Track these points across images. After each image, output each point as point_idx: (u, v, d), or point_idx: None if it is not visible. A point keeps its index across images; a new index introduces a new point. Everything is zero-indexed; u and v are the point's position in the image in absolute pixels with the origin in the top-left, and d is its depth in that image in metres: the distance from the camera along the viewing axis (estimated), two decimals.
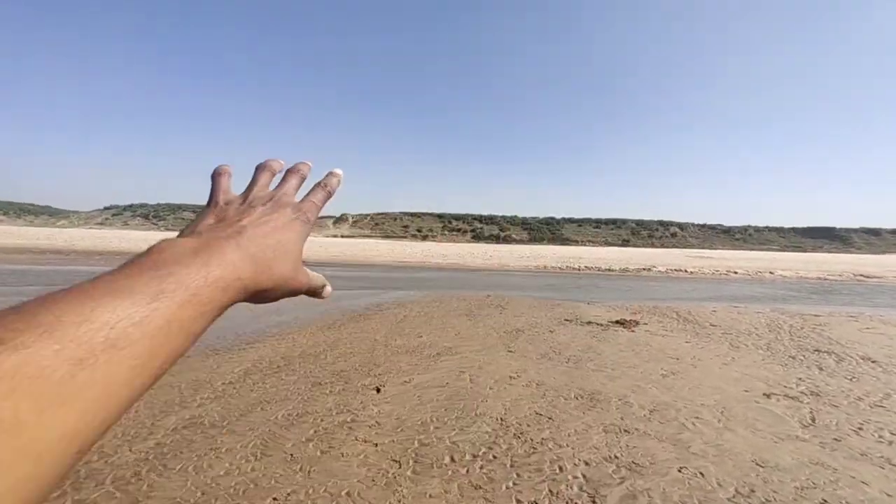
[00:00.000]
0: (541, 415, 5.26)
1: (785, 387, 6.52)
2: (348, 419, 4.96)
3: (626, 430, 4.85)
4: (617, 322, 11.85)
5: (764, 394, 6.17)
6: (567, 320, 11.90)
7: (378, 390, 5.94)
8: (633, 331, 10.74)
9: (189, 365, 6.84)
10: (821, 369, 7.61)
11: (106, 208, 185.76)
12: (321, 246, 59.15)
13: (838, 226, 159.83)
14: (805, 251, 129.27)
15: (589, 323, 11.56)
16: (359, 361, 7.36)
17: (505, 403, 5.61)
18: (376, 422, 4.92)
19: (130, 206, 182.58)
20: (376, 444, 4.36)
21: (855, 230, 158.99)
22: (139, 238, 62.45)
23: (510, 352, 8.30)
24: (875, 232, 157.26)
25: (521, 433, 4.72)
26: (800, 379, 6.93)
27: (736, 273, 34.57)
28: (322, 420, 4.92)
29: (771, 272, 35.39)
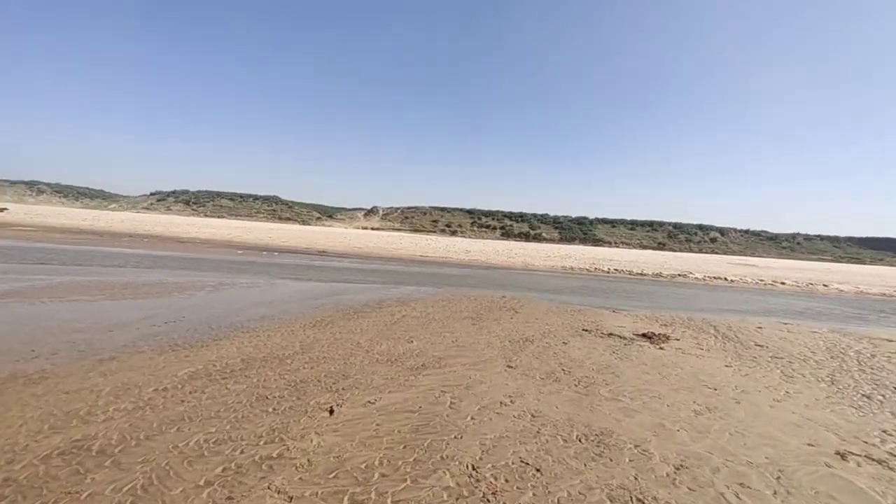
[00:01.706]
0: (527, 464, 4.00)
1: (865, 442, 4.94)
2: (275, 453, 3.89)
3: (639, 500, 3.53)
4: (643, 335, 10.29)
5: (837, 452, 4.63)
6: (586, 330, 10.45)
7: (331, 412, 4.85)
8: (661, 347, 9.20)
9: (134, 362, 5.99)
10: None
11: (152, 193, 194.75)
12: (346, 237, 59.14)
13: None
14: (864, 263, 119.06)
15: (610, 335, 10.07)
16: (327, 370, 6.30)
17: (484, 442, 4.38)
18: (308, 460, 3.82)
19: (174, 192, 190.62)
20: (290, 500, 3.25)
21: None
22: (169, 222, 64.69)
23: (510, 367, 7.02)
24: None
25: (493, 494, 3.49)
26: (884, 431, 5.30)
27: (783, 284, 31.47)
28: (242, 452, 3.87)
29: (825, 285, 31.99)
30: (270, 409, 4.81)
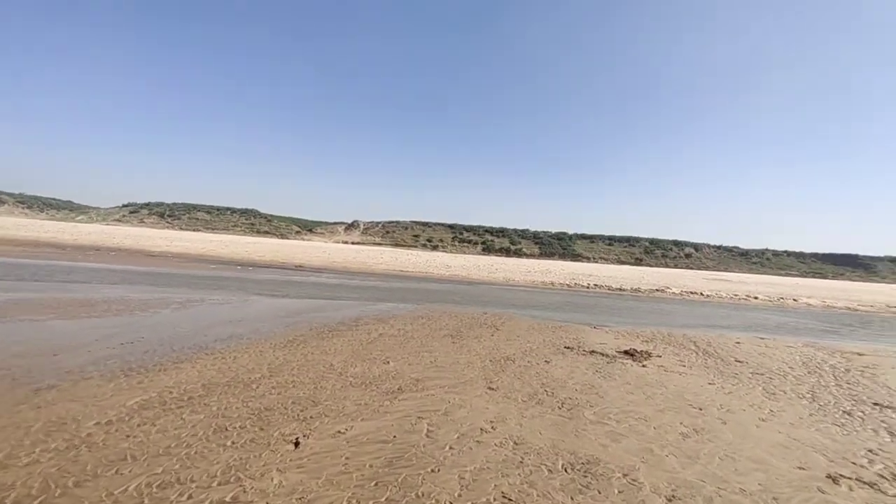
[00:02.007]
0: (510, 500, 3.68)
1: (854, 464, 4.81)
2: (228, 497, 3.45)
3: None
4: (626, 353, 10.16)
5: (828, 476, 4.47)
6: (568, 347, 10.25)
7: (297, 444, 4.43)
8: (644, 365, 9.06)
9: (77, 391, 5.41)
10: (893, 434, 5.86)
11: (124, 205, 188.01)
12: (324, 251, 58.04)
13: (861, 253, 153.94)
14: (826, 278, 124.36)
15: (593, 352, 9.89)
16: (296, 396, 5.85)
17: (464, 476, 4.03)
18: (266, 503, 3.40)
19: (147, 203, 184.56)
20: None
21: (880, 258, 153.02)
22: (140, 235, 62.24)
23: (491, 389, 6.71)
24: None
25: None
26: (870, 451, 5.21)
27: (756, 298, 32.33)
28: (190, 498, 3.42)
29: (795, 299, 33.03)
30: (229, 443, 4.35)
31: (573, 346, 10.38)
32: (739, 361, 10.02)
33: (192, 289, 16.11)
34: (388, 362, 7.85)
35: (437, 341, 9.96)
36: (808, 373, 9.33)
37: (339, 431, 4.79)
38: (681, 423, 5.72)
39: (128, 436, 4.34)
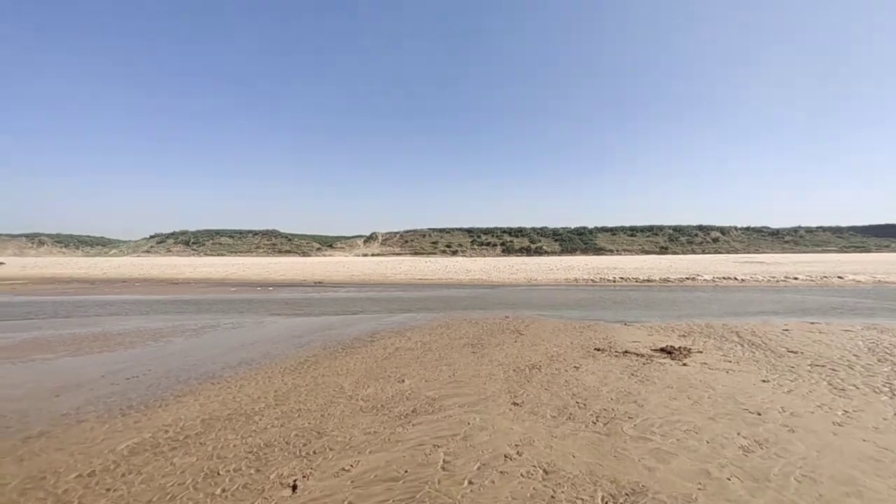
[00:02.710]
0: None
1: None
2: None
3: None
4: (662, 350, 9.29)
5: None
6: (598, 349, 9.46)
7: (294, 488, 3.88)
8: (684, 363, 8.19)
9: (67, 437, 5.04)
10: None
11: (151, 237, 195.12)
12: (343, 266, 58.23)
13: None
14: (869, 251, 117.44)
15: (626, 353, 9.07)
16: (300, 426, 5.33)
17: None
18: None
19: (173, 233, 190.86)
20: None
21: None
22: (166, 264, 64.01)
23: (515, 405, 6.04)
24: None
25: None
26: None
27: (796, 279, 30.33)
28: None
29: (840, 277, 30.82)
30: (218, 491, 3.85)
31: (604, 348, 9.58)
32: (793, 352, 9.01)
33: (209, 314, 15.99)
34: (403, 380, 7.27)
35: (457, 352, 9.34)
36: (879, 361, 8.26)
37: (343, 469, 4.23)
38: (738, 434, 4.92)
39: (108, 490, 3.88)
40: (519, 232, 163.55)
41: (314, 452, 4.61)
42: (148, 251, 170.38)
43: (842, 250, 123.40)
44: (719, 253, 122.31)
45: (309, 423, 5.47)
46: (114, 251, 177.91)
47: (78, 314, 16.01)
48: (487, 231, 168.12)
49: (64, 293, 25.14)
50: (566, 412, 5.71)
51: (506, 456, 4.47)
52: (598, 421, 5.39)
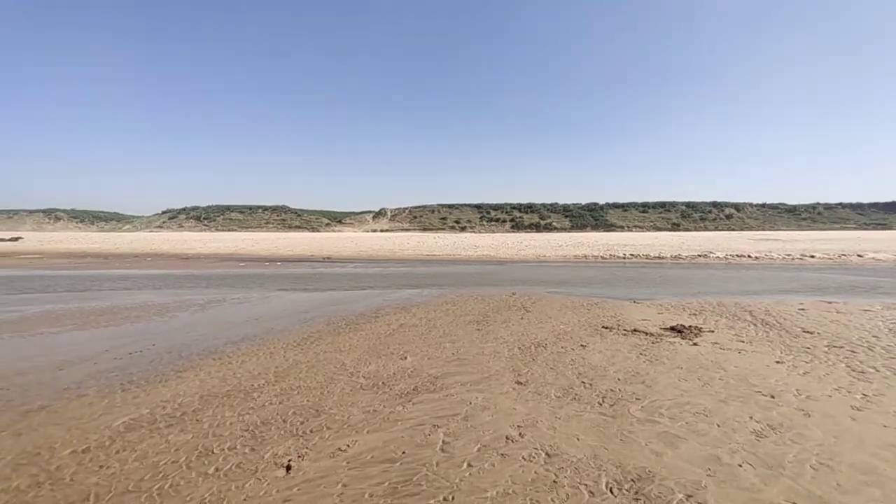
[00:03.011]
0: None
1: None
2: None
3: None
4: (672, 329, 9.05)
5: None
6: (606, 327, 9.25)
7: (288, 468, 3.80)
8: (695, 343, 7.96)
9: (67, 412, 5.02)
10: None
11: (163, 212, 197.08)
12: (352, 241, 58.31)
13: None
14: (891, 228, 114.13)
15: (634, 331, 8.86)
16: (298, 404, 5.26)
17: None
18: None
19: (184, 209, 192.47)
20: None
21: None
22: (177, 239, 64.72)
23: (519, 384, 5.89)
24: None
25: None
26: None
27: (813, 257, 29.53)
28: None
29: (859, 255, 29.92)
30: (211, 470, 3.78)
31: (612, 326, 9.37)
32: (808, 332, 8.71)
33: (216, 288, 16.07)
34: (406, 357, 7.17)
35: (462, 329, 9.21)
36: None
37: (339, 449, 4.13)
38: (751, 418, 4.71)
39: (101, 466, 3.84)
40: (529, 208, 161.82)
41: (311, 431, 4.53)
42: (160, 226, 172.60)
43: (862, 227, 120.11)
44: (733, 230, 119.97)
45: (308, 400, 5.39)
46: (127, 226, 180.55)
47: (90, 288, 16.21)
48: (497, 207, 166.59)
49: (77, 267, 25.52)
50: (571, 392, 5.54)
51: (507, 437, 4.33)
52: (604, 402, 5.22)
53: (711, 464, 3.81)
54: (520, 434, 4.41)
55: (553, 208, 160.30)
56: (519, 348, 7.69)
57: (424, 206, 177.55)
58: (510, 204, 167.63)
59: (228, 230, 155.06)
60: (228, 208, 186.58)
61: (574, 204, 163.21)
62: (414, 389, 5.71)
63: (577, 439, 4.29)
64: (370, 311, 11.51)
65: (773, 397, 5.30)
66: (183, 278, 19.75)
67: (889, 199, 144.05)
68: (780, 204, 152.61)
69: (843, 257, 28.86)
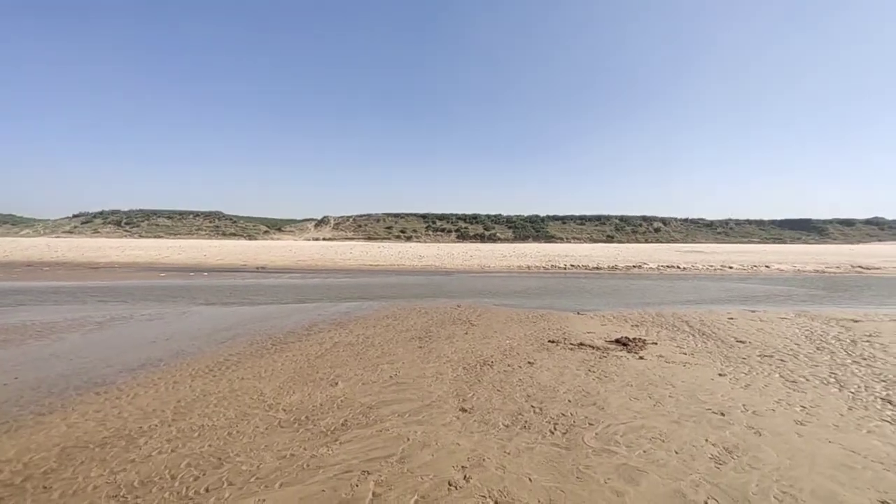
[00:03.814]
0: None
1: None
2: None
3: None
4: (617, 342, 8.97)
5: None
6: (552, 341, 8.97)
7: None
8: (641, 357, 7.86)
9: None
10: None
11: (75, 216, 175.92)
12: (290, 250, 55.08)
13: (814, 217, 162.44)
14: (785, 242, 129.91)
15: (581, 345, 8.64)
16: (197, 452, 4.24)
17: None
18: None
19: (101, 212, 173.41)
20: None
21: (830, 221, 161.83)
22: (88, 246, 57.39)
23: (464, 411, 5.29)
24: (849, 223, 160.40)
25: None
26: None
27: (731, 268, 32.34)
28: None
29: (767, 266, 33.26)
30: None
31: (558, 340, 9.11)
32: (741, 342, 9.01)
33: (125, 303, 13.97)
34: (337, 383, 6.31)
35: (402, 347, 8.47)
36: (818, 349, 8.37)
37: None
38: (706, 441, 4.46)
39: None
40: (474, 219, 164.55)
41: (206, 491, 3.58)
42: (70, 231, 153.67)
43: (763, 241, 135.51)
44: (661, 242, 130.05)
45: (210, 445, 4.39)
46: (26, 230, 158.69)
47: None
48: (442, 217, 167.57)
49: None
50: (521, 419, 5.03)
51: (450, 483, 3.68)
52: (556, 429, 4.75)
53: (677, 502, 3.42)
54: (464, 477, 3.78)
55: (497, 219, 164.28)
56: (464, 368, 7.12)
57: (370, 215, 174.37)
58: (456, 214, 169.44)
59: (154, 237, 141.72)
60: (155, 213, 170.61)
61: (517, 215, 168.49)
62: (343, 424, 4.90)
63: (530, 480, 3.74)
64: (302, 327, 10.41)
65: (723, 415, 5.14)
66: (86, 291, 17.09)
67: (783, 218, 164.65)
68: (700, 219, 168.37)
69: (754, 268, 31.79)
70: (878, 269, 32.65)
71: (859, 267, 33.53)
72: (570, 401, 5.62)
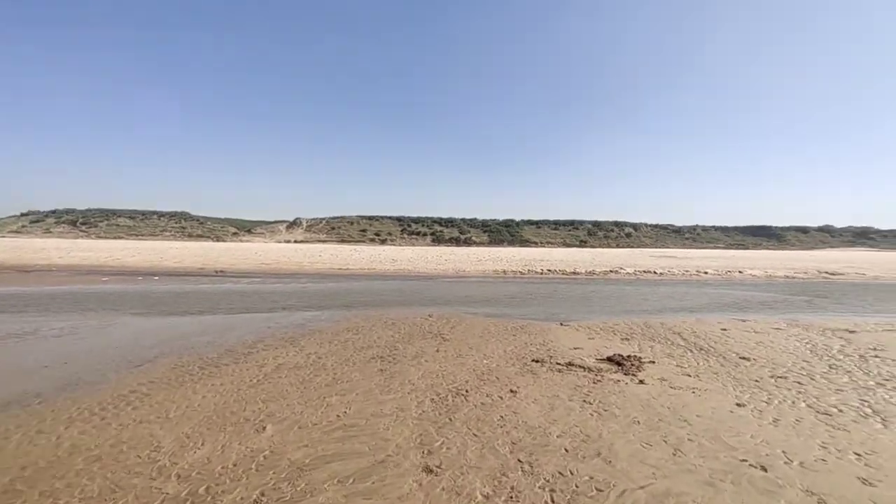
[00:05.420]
0: None
1: None
2: None
3: None
4: (610, 360, 7.81)
5: None
6: (536, 361, 7.72)
7: None
8: (641, 381, 6.69)
9: None
10: None
11: (24, 214, 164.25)
12: (254, 253, 52.07)
13: (773, 224, 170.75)
14: (747, 248, 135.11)
15: (570, 365, 7.43)
16: None
17: None
18: None
19: (54, 211, 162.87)
20: None
21: (788, 228, 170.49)
22: (22, 247, 52.46)
23: (429, 472, 3.91)
24: (804, 230, 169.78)
25: None
26: None
27: (706, 273, 32.33)
28: None
29: (740, 271, 33.46)
30: None
31: (543, 358, 7.87)
32: (745, 359, 8.02)
33: (36, 314, 11.87)
34: (265, 427, 4.81)
35: (359, 370, 7.02)
36: (831, 368, 7.47)
37: None
38: None
39: None
40: (449, 222, 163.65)
41: None
42: (17, 231, 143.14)
43: (728, 246, 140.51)
44: (632, 247, 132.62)
45: None
46: None
47: None
48: (418, 220, 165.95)
49: None
50: (505, 485, 3.70)
51: None
52: (554, 502, 3.45)
53: None
54: None
55: (472, 223, 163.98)
56: (431, 399, 5.75)
57: (343, 217, 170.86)
58: (431, 217, 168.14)
59: (114, 238, 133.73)
60: (115, 212, 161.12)
61: (492, 219, 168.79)
62: (258, 498, 3.44)
63: None
64: (244, 344, 8.78)
65: (765, 470, 3.97)
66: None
67: (746, 224, 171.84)
68: (669, 225, 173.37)
69: (728, 273, 31.86)
70: (842, 274, 33.40)
71: (825, 273, 34.24)
72: (567, 450, 4.34)
